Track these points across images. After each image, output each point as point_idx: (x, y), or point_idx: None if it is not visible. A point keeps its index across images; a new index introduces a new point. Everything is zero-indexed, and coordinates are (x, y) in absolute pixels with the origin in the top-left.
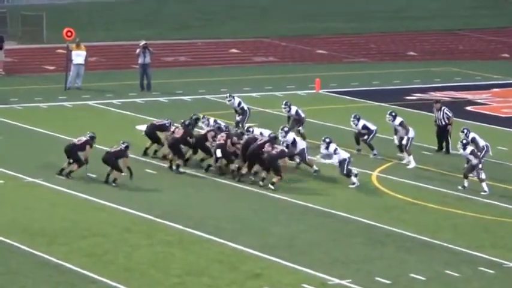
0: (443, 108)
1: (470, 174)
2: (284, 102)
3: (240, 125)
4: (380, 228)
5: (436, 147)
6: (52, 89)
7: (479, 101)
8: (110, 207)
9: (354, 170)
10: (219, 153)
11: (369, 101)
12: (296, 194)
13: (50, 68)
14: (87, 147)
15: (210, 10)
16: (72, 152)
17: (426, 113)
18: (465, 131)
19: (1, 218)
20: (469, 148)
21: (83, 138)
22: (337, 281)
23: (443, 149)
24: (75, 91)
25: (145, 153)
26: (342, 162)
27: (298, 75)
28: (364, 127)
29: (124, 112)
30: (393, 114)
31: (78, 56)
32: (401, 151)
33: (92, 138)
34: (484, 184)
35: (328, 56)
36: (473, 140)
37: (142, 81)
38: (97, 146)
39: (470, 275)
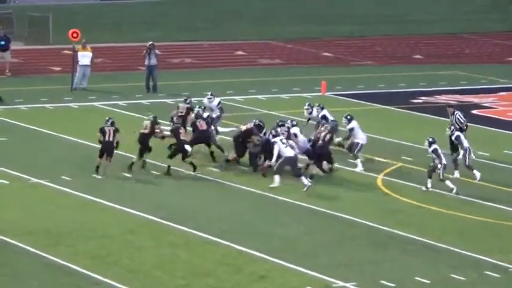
0: (456, 112)
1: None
2: (307, 103)
3: (213, 125)
4: (385, 231)
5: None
6: (58, 90)
7: (485, 104)
8: (115, 208)
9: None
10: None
11: (374, 104)
12: (301, 196)
13: (56, 69)
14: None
15: (217, 12)
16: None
17: (432, 116)
18: (452, 127)
19: (6, 219)
20: (433, 146)
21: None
22: (341, 283)
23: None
24: (81, 92)
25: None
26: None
27: (304, 77)
28: (324, 117)
29: (130, 113)
30: (348, 117)
31: (84, 57)
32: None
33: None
34: (447, 182)
35: (334, 58)
36: (457, 139)
37: (148, 82)
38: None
39: (475, 278)
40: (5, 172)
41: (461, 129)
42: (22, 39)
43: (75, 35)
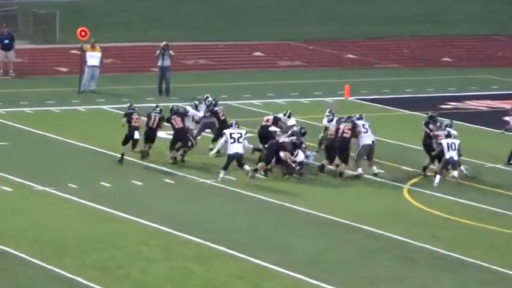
0: None
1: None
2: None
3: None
4: (411, 245)
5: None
6: (65, 92)
7: None
8: (125, 218)
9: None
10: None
11: (400, 110)
12: (322, 207)
13: (63, 70)
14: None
15: (233, 11)
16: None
17: (461, 122)
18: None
19: (10, 229)
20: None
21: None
22: None
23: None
24: (89, 95)
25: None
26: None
27: (326, 80)
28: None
29: (141, 117)
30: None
31: (93, 58)
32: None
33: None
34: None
35: (359, 61)
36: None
37: (161, 85)
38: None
39: None
40: (8, 179)
41: None
42: (27, 38)
43: (83, 33)
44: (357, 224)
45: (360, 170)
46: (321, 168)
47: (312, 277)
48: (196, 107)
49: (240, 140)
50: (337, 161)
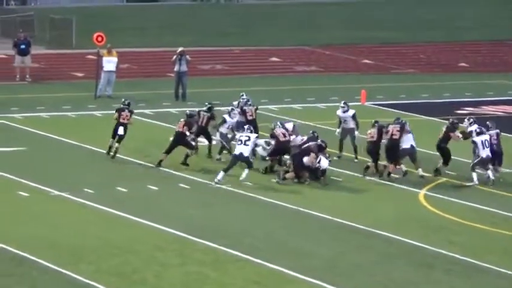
0: None
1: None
2: (343, 102)
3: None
4: (427, 250)
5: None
6: (81, 97)
7: None
8: (140, 223)
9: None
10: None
11: (417, 115)
12: (338, 212)
13: (79, 75)
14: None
15: (250, 16)
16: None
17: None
18: (471, 119)
19: (26, 234)
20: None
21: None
22: None
23: None
24: (106, 100)
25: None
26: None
27: (343, 86)
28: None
29: (157, 123)
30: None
31: (109, 63)
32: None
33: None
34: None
35: (375, 66)
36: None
37: (178, 90)
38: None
39: None
40: (25, 184)
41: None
42: (43, 43)
43: (99, 38)
44: (372, 229)
45: (403, 167)
46: (366, 168)
47: (328, 282)
48: (229, 114)
49: (248, 142)
50: (384, 162)
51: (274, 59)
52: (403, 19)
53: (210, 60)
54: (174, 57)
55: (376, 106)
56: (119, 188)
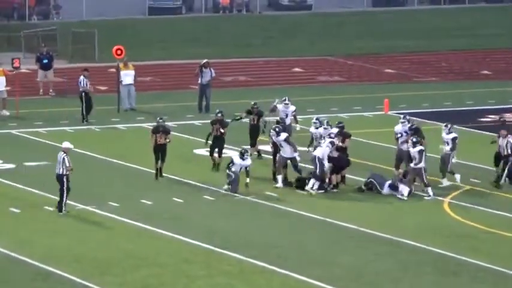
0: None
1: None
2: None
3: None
4: (453, 258)
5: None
6: (104, 111)
7: None
8: (166, 235)
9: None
10: None
11: (440, 123)
12: (363, 221)
13: (102, 89)
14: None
15: (272, 27)
16: None
17: None
18: (448, 125)
19: (51, 247)
20: (419, 147)
21: None
22: None
23: None
24: (129, 113)
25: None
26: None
27: (365, 95)
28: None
29: (181, 135)
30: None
31: (127, 76)
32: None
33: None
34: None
35: (397, 75)
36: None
37: (201, 102)
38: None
39: None
40: (50, 198)
41: None
42: (66, 57)
43: (119, 52)
44: (398, 237)
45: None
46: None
47: None
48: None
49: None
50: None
51: (296, 69)
52: (425, 28)
53: (232, 72)
54: (197, 69)
55: (399, 115)
56: (143, 201)
